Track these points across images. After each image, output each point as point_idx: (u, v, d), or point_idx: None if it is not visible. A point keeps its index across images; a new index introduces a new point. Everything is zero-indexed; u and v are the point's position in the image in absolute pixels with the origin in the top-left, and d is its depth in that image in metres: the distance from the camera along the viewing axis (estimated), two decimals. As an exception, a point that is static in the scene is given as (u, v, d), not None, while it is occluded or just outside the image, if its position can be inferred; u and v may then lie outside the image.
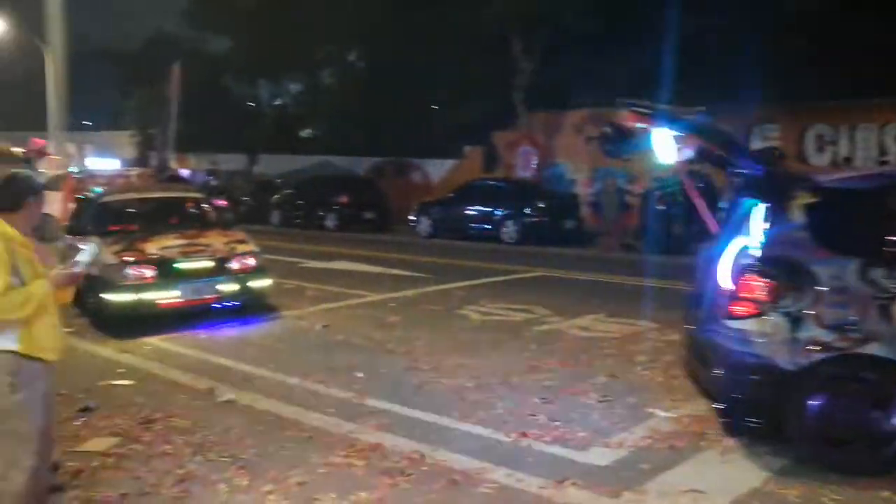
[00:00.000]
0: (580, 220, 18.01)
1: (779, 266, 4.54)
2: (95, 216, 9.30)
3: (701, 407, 5.52)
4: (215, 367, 6.85)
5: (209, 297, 8.45)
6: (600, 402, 5.75)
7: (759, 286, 4.50)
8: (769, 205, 4.79)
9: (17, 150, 11.43)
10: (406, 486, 4.33)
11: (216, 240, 8.95)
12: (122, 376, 6.59)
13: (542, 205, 17.47)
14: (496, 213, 17.79)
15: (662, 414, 5.45)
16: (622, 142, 20.45)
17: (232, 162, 28.63)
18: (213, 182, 23.83)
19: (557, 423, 5.26)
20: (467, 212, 18.39)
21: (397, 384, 6.28)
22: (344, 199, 21.26)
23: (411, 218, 19.71)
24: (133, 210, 9.92)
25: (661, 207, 15.92)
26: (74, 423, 5.35)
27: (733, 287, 4.71)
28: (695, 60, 17.72)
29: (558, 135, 21.80)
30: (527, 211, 17.35)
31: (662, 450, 4.79)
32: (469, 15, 20.28)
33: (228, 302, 8.64)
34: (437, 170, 24.57)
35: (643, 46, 18.49)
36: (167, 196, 10.41)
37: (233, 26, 28.21)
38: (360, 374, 6.56)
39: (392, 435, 5.08)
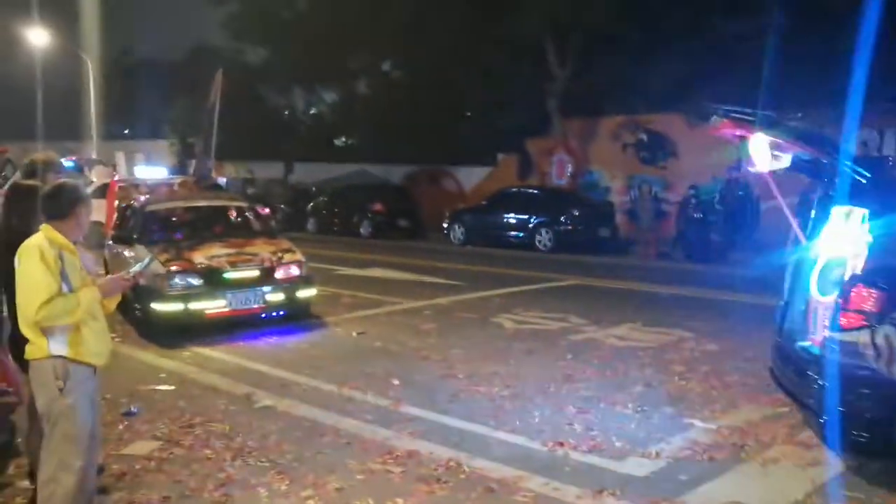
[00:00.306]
0: (615, 228, 17.89)
1: (888, 276, 4.40)
2: (141, 225, 9.33)
3: (740, 418, 5.47)
4: (253, 373, 6.93)
5: (256, 306, 8.44)
6: (637, 411, 5.71)
7: (867, 297, 4.35)
8: (876, 212, 4.64)
9: (69, 160, 11.73)
10: (443, 493, 4.35)
11: (263, 249, 8.92)
12: (163, 381, 6.70)
13: (576, 212, 17.38)
14: (530, 220, 17.74)
15: (701, 425, 5.39)
16: (658, 148, 20.56)
17: (268, 170, 28.97)
18: (250, 190, 24.15)
19: (594, 433, 5.24)
20: (501, 219, 18.37)
21: (433, 391, 6.30)
22: (378, 206, 21.39)
23: (444, 225, 19.75)
24: (178, 218, 9.87)
25: (697, 215, 15.76)
26: (118, 427, 5.45)
27: (837, 298, 4.55)
28: (733, 66, 17.52)
29: (593, 142, 21.70)
30: (561, 218, 17.27)
31: (701, 461, 4.74)
32: (503, 23, 20.32)
33: (275, 311, 8.65)
34: (471, 177, 24.59)
35: (679, 52, 18.36)
36: (212, 204, 10.31)
37: (270, 37, 28.59)
38: (396, 382, 6.59)
39: (428, 442, 5.10)
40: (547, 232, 17.31)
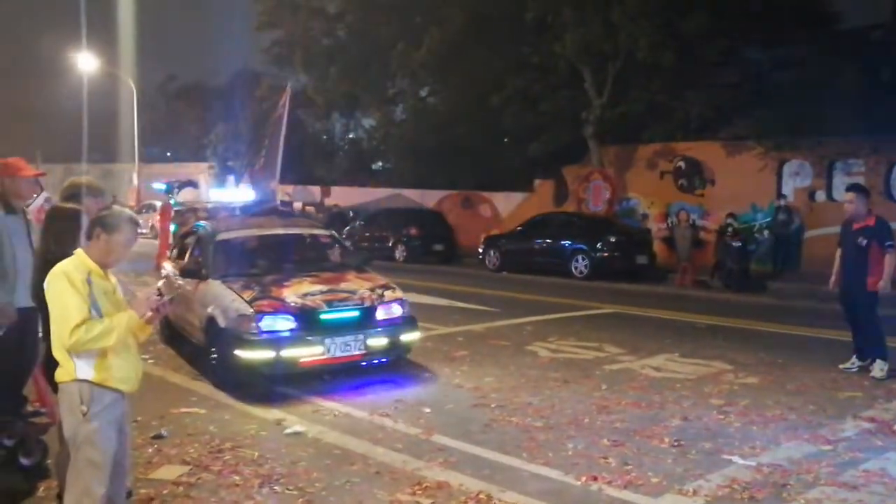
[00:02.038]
0: (652, 256, 17.64)
1: None
2: (212, 256, 8.04)
3: (781, 455, 5.28)
4: (283, 398, 6.90)
5: (357, 353, 7.21)
6: (674, 446, 5.54)
7: None
8: None
9: (161, 182, 11.84)
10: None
11: (359, 285, 7.74)
12: (194, 404, 6.70)
13: (613, 239, 17.17)
14: (566, 247, 17.59)
15: (741, 461, 5.20)
16: (695, 176, 20.39)
17: (304, 194, 29.29)
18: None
19: (629, 468, 5.09)
20: (537, 245, 18.25)
21: (465, 421, 6.21)
22: (413, 231, 21.42)
23: (480, 250, 19.70)
24: (255, 249, 8.72)
25: (736, 244, 15.50)
26: (148, 450, 5.44)
27: None
28: (770, 94, 17.37)
29: (630, 169, 21.60)
30: (598, 245, 17.10)
31: (741, 500, 4.56)
32: (540, 49, 20.38)
33: (376, 358, 7.49)
34: (507, 203, 24.58)
35: (716, 80, 18.25)
36: (291, 232, 9.09)
37: (310, 63, 29.03)
38: (428, 410, 6.51)
39: (459, 473, 5.00)
40: (583, 259, 17.14)
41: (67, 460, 3.56)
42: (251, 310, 6.95)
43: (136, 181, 36.33)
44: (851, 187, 8.22)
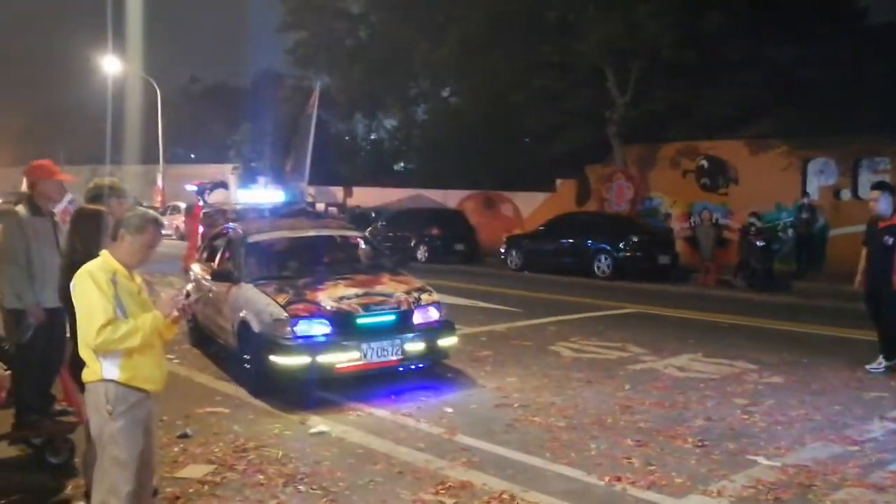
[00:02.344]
0: (675, 255, 17.51)
1: None
2: (244, 259, 7.84)
3: (807, 456, 5.23)
4: (307, 397, 6.93)
5: (394, 358, 6.95)
6: (698, 446, 5.50)
7: None
8: None
9: (192, 184, 11.65)
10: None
11: (394, 287, 7.53)
12: (218, 404, 6.74)
13: (635, 239, 17.08)
14: (588, 246, 17.52)
15: (765, 462, 5.16)
16: (719, 175, 20.17)
17: (326, 195, 29.38)
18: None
19: (653, 468, 5.07)
20: (559, 245, 18.18)
21: (488, 421, 6.21)
22: (435, 231, 21.43)
23: (502, 250, 19.68)
24: (287, 251, 8.47)
25: (760, 243, 15.36)
26: (173, 449, 5.49)
27: None
28: (794, 92, 17.17)
29: (653, 168, 21.48)
30: (620, 245, 17.01)
31: (766, 501, 4.52)
32: (563, 49, 20.32)
33: (413, 364, 7.23)
34: (529, 203, 24.52)
35: (740, 78, 18.07)
36: (323, 234, 8.91)
37: (333, 64, 29.16)
38: (450, 410, 6.52)
39: (482, 473, 5.00)
40: (605, 258, 17.06)
41: (94, 459, 3.61)
42: (286, 314, 6.76)
43: (160, 182, 36.66)
44: (877, 185, 8.12)
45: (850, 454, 5.29)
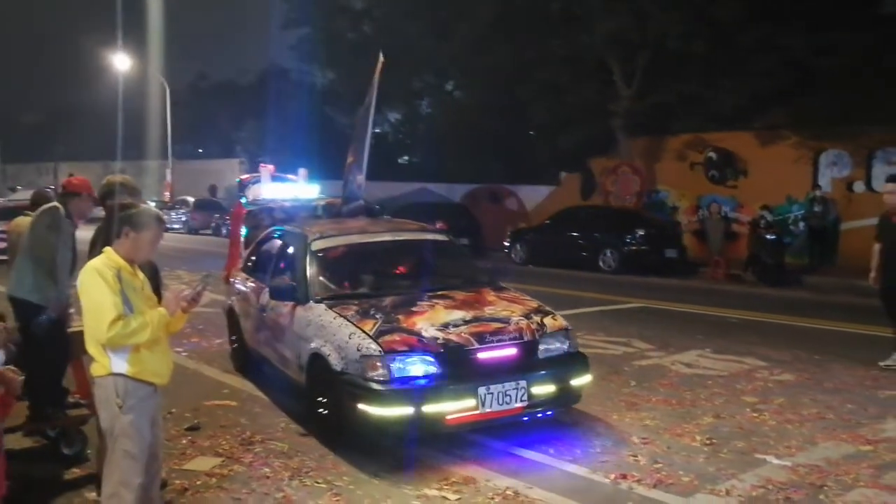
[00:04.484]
0: (683, 249, 17.44)
1: None
2: (309, 272, 6.29)
3: (818, 455, 5.18)
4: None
5: (518, 405, 5.33)
6: (706, 444, 5.46)
7: None
8: None
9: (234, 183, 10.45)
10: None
11: (508, 309, 5.89)
12: (226, 397, 6.76)
13: (642, 232, 17.01)
14: (594, 240, 17.46)
15: (775, 461, 5.11)
16: (727, 167, 19.90)
17: (331, 188, 29.37)
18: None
19: (659, 466, 5.03)
20: (564, 239, 18.12)
21: (492, 416, 6.16)
22: (440, 224, 21.32)
23: (506, 244, 19.62)
24: (361, 261, 6.84)
25: (770, 236, 15.27)
26: (182, 442, 5.54)
27: None
28: (806, 82, 16.97)
29: (660, 161, 21.37)
30: (626, 239, 16.95)
31: (777, 501, 4.48)
32: (568, 41, 20.21)
33: (539, 411, 5.56)
34: (533, 196, 24.47)
35: (750, 69, 17.87)
36: (403, 238, 7.15)
37: (337, 59, 29.14)
38: (456, 405, 6.46)
39: (486, 469, 4.98)
40: (611, 252, 17.00)
41: (105, 451, 3.67)
42: (379, 348, 5.20)
43: (169, 177, 36.89)
44: (893, 178, 7.88)
45: (864, 454, 5.23)
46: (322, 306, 5.84)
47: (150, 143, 36.67)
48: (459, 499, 4.53)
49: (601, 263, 17.03)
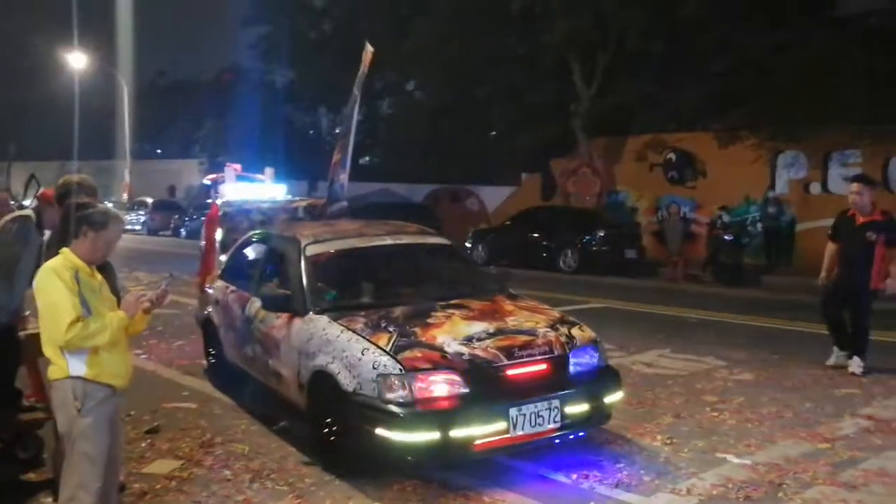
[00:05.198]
0: (642, 249, 17.65)
1: None
2: (305, 279, 5.73)
3: (777, 453, 5.25)
4: (273, 392, 6.82)
5: (551, 426, 4.84)
6: (666, 444, 5.50)
7: None
8: None
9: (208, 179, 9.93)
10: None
11: (532, 320, 5.41)
12: (186, 399, 6.66)
13: (602, 233, 17.20)
14: (555, 240, 17.57)
15: (735, 460, 5.16)
16: (686, 168, 20.09)
17: (294, 188, 29.15)
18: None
19: (620, 466, 5.05)
20: (524, 239, 18.21)
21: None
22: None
23: (467, 245, 19.65)
24: (360, 267, 6.32)
25: (728, 237, 15.52)
26: (141, 445, 5.44)
27: None
28: (764, 84, 17.26)
29: (619, 162, 21.60)
30: (586, 239, 17.10)
31: (736, 499, 4.53)
32: (527, 40, 20.31)
33: (573, 432, 5.09)
34: (494, 197, 24.57)
35: (709, 70, 18.13)
36: (404, 242, 6.58)
37: (297, 58, 28.94)
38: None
39: (445, 470, 4.91)
40: (571, 253, 17.14)
41: (62, 454, 3.62)
42: (399, 366, 4.67)
43: (127, 177, 36.30)
44: (858, 178, 7.81)
45: (821, 452, 5.30)
46: (325, 318, 5.27)
47: (109, 142, 36.05)
48: (422, 500, 4.52)
49: (561, 264, 17.16)
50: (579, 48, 19.91)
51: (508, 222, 19.27)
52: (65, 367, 3.45)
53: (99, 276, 3.68)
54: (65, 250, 3.56)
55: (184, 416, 6.15)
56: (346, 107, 9.66)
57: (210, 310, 7.27)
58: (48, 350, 3.49)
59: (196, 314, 8.04)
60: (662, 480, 4.80)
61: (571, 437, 5.11)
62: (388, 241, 6.41)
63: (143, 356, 8.13)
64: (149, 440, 5.54)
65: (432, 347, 4.84)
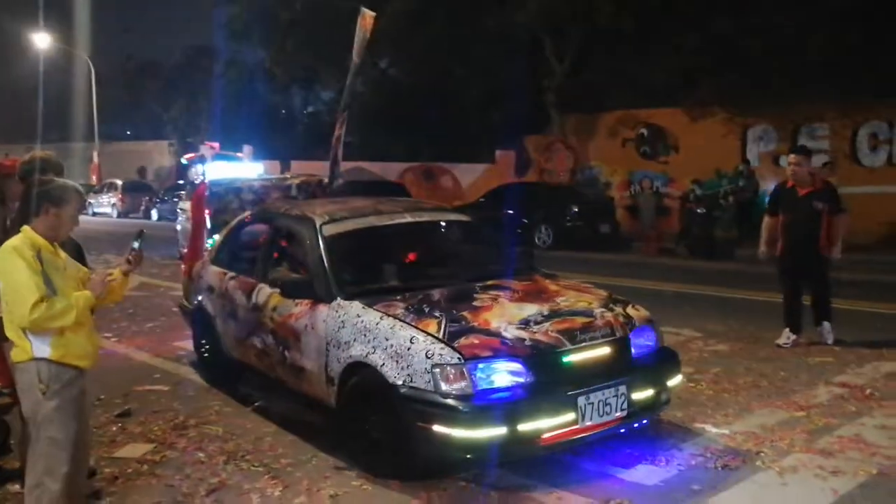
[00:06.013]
0: (616, 224, 17.73)
1: None
2: (328, 261, 5.18)
3: (754, 423, 5.28)
4: (247, 371, 6.72)
5: (618, 414, 4.47)
6: (645, 415, 5.51)
7: None
8: None
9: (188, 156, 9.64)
10: (439, 502, 4.19)
11: (583, 300, 5.02)
12: (158, 381, 6.55)
13: (576, 208, 17.23)
14: (529, 217, 17.56)
15: (713, 430, 5.18)
16: (658, 143, 20.16)
17: (267, 168, 28.85)
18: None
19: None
20: (499, 216, 18.15)
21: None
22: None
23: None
24: (383, 248, 5.90)
25: (700, 210, 15.60)
26: (112, 429, 5.35)
27: None
28: (734, 60, 17.36)
29: (592, 137, 21.63)
30: (561, 215, 17.10)
31: (715, 469, 4.54)
32: (500, 17, 20.16)
33: (637, 421, 4.72)
34: (468, 174, 24.47)
35: (680, 46, 18.18)
36: (424, 220, 6.10)
37: (268, 37, 28.51)
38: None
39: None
40: (546, 228, 17.15)
41: (29, 440, 3.52)
42: (458, 354, 4.21)
43: (96, 159, 35.70)
44: (799, 150, 7.81)
45: (797, 420, 5.33)
46: (357, 304, 4.77)
47: (76, 124, 35.38)
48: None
49: (536, 240, 17.15)
50: (552, 24, 19.81)
51: (482, 199, 19.21)
52: (28, 348, 3.35)
53: (63, 255, 3.56)
54: (25, 228, 3.44)
55: (156, 399, 6.05)
56: (348, 77, 9.19)
57: (202, 298, 6.57)
58: (11, 332, 3.38)
59: (182, 303, 7.30)
60: (641, 451, 4.78)
61: (636, 425, 4.77)
62: (409, 218, 5.90)
63: (113, 339, 8.00)
64: (120, 424, 5.44)
65: (489, 333, 4.40)
